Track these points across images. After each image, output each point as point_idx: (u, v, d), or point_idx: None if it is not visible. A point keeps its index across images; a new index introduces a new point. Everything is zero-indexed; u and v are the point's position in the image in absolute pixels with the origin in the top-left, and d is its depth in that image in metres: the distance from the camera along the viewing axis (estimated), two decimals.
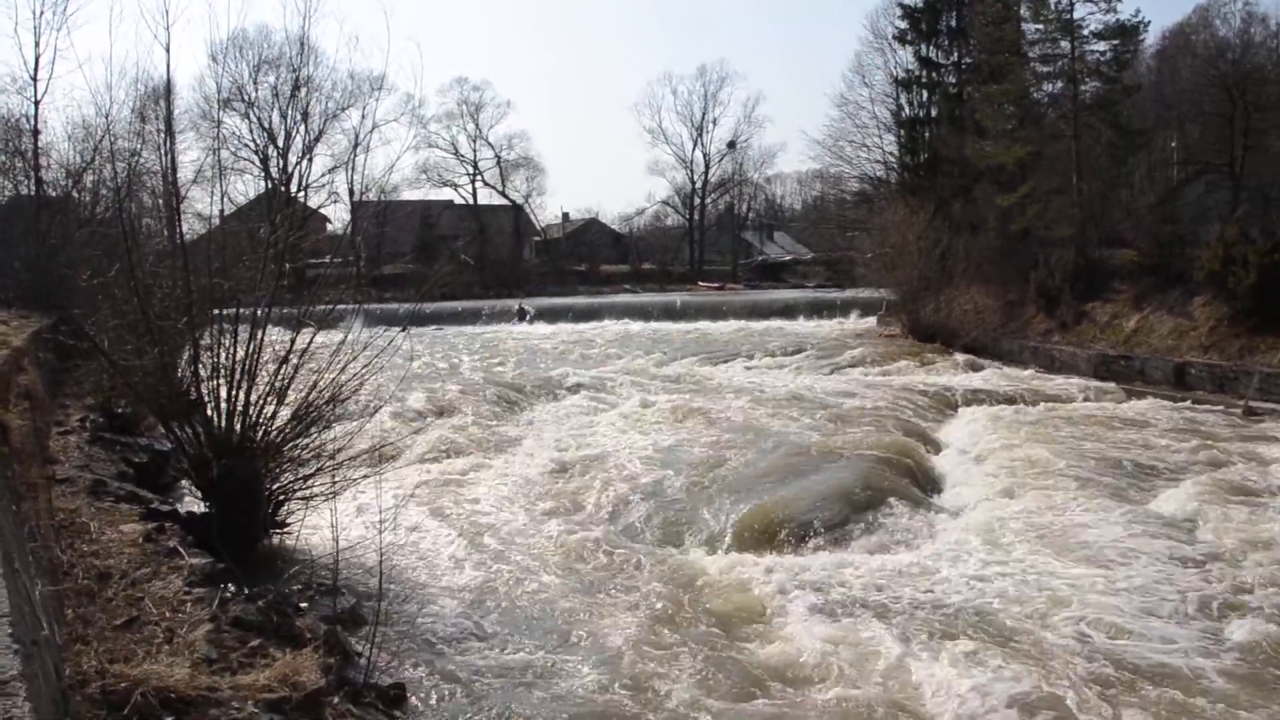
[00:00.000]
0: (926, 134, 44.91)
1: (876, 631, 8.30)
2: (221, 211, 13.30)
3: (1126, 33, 30.68)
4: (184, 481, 11.30)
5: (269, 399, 9.43)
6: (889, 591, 9.27)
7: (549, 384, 23.14)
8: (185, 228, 11.28)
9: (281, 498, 9.91)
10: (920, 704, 7.12)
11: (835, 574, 9.84)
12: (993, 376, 25.11)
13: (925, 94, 45.34)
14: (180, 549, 7.37)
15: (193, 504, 10.32)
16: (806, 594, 9.19)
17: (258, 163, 58.92)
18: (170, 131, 14.54)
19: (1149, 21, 30.99)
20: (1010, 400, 21.10)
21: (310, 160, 57.47)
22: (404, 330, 10.71)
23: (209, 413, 9.37)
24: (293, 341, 9.63)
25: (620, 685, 7.29)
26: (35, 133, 21.08)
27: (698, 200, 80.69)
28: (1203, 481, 13.21)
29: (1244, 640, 8.04)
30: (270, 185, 54.70)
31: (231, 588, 6.82)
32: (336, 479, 9.77)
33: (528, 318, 47.03)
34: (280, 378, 9.48)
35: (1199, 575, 9.54)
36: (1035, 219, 30.95)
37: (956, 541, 11.07)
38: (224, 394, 9.30)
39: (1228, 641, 8.04)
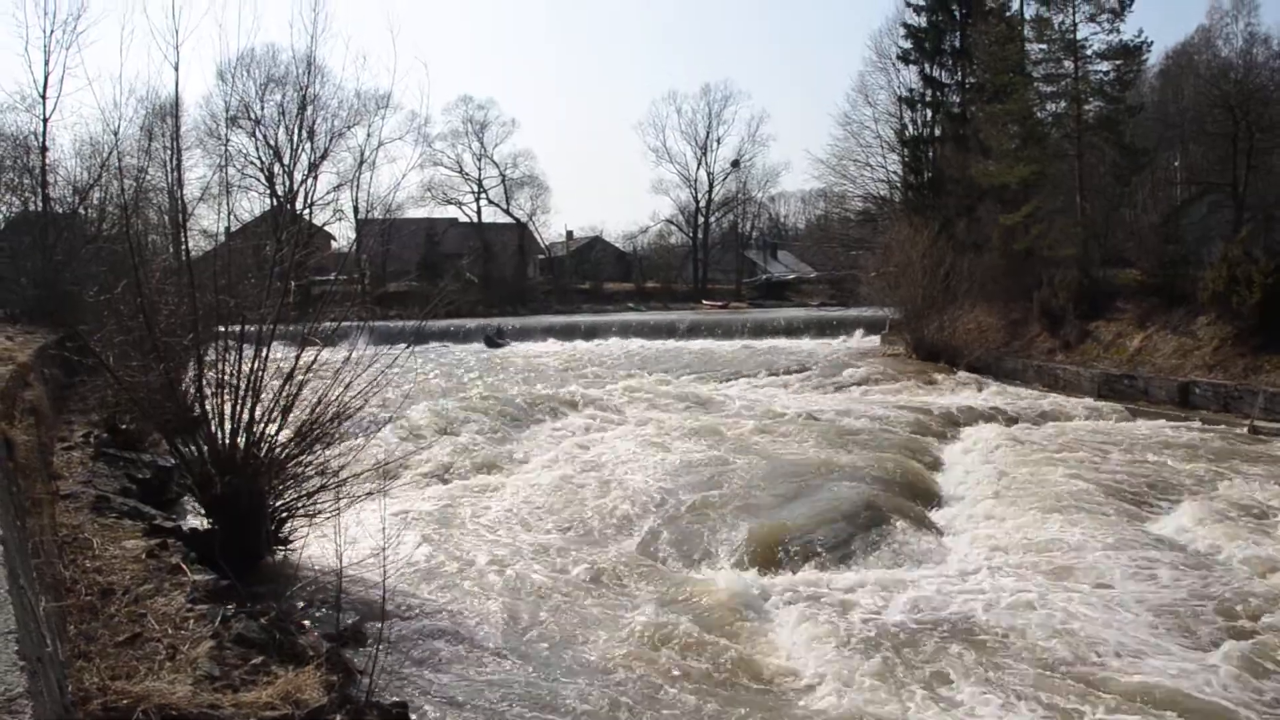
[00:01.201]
0: (930, 153, 45.11)
1: (879, 651, 8.27)
2: (227, 229, 13.40)
3: (1129, 53, 30.80)
4: (187, 498, 11.31)
5: (273, 416, 9.43)
6: (891, 610, 9.25)
7: (553, 402, 23.14)
8: (191, 244, 11.30)
9: (285, 515, 9.90)
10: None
11: (838, 592, 9.81)
12: (996, 396, 25.09)
13: (929, 113, 45.58)
14: (183, 565, 7.36)
15: (196, 520, 10.31)
16: (809, 612, 9.17)
17: (263, 180, 59.30)
18: (177, 149, 14.69)
19: (1152, 42, 31.14)
20: (1013, 420, 21.07)
21: (316, 178, 57.62)
22: (409, 347, 10.73)
23: (213, 429, 9.37)
24: (297, 358, 9.64)
25: (623, 705, 7.26)
26: (43, 150, 21.24)
27: (702, 219, 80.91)
28: (1207, 501, 13.17)
29: (1248, 660, 7.99)
30: (276, 203, 54.99)
31: (234, 605, 6.81)
32: (340, 496, 9.75)
33: (499, 341, 45.82)
34: (284, 395, 9.49)
35: (1202, 595, 9.50)
36: (1039, 238, 31.01)
37: (958, 561, 11.05)
38: (228, 411, 9.30)
39: (1232, 661, 7.98)
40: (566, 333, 47.87)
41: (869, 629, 8.77)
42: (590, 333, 47.74)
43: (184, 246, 10.70)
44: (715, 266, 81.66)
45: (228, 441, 9.29)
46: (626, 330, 48.00)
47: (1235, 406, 21.19)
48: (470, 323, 48.43)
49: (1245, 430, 19.22)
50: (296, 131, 58.08)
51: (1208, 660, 8.07)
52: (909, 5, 44.71)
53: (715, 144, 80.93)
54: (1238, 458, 16.47)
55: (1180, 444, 17.77)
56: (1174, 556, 10.81)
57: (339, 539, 7.43)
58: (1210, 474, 15.02)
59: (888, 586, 10.04)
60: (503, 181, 74.02)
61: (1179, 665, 7.99)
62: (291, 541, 9.85)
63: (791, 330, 45.71)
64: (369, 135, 60.63)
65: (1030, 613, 9.17)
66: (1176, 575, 10.16)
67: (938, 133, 44.92)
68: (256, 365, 9.36)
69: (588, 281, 74.65)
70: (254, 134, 58.81)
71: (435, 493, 14.23)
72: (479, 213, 74.26)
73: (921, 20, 44.42)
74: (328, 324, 10.39)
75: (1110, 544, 11.19)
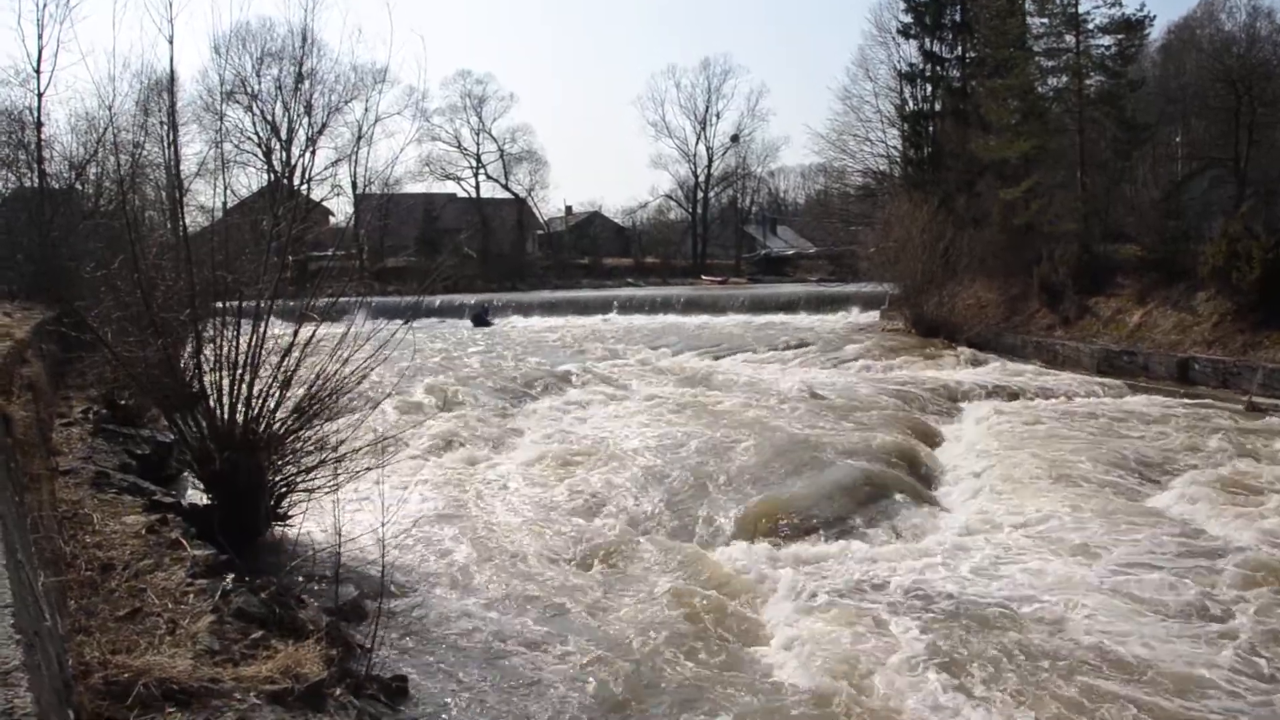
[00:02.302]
0: (930, 128, 44.86)
1: (877, 628, 8.30)
2: (224, 204, 13.33)
3: (1131, 27, 30.60)
4: (186, 473, 11.32)
5: (272, 391, 9.43)
6: (891, 586, 9.28)
7: (552, 376, 23.15)
8: (188, 220, 11.26)
9: (284, 490, 9.92)
10: (906, 698, 7.12)
11: (838, 568, 9.85)
12: (996, 371, 25.09)
13: (929, 88, 45.30)
14: (183, 541, 7.38)
15: (195, 496, 10.33)
16: (810, 587, 9.20)
17: (260, 155, 59.07)
18: (173, 124, 14.61)
19: (1154, 16, 31.03)
20: (1013, 395, 21.08)
21: (313, 153, 57.38)
22: (407, 323, 10.71)
23: (212, 405, 9.38)
24: (295, 334, 9.63)
25: (623, 679, 7.30)
26: (38, 125, 21.08)
27: (701, 194, 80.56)
28: (1205, 477, 13.19)
29: (1246, 638, 8.03)
30: (273, 178, 54.78)
31: (233, 579, 6.83)
32: (339, 471, 9.78)
33: (488, 320, 44.36)
34: (283, 370, 9.48)
35: (1200, 571, 9.53)
36: (1039, 213, 30.91)
37: (957, 536, 11.07)
38: (227, 386, 9.30)
39: (1229, 638, 8.02)
40: (565, 308, 47.83)
41: (868, 605, 8.80)
42: (589, 308, 47.71)
43: (181, 222, 10.67)
44: (714, 242, 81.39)
45: (227, 417, 9.29)
46: (625, 306, 47.97)
47: (1234, 382, 21.20)
48: (470, 298, 48.34)
49: (1244, 406, 19.23)
50: (293, 106, 57.86)
51: (1205, 633, 8.10)
52: None
53: (714, 119, 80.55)
54: (1236, 434, 16.48)
55: (1178, 420, 17.78)
56: (1172, 533, 10.84)
57: (338, 514, 7.45)
58: (1208, 450, 15.03)
59: (887, 562, 10.08)
60: (501, 156, 73.66)
61: (1177, 638, 8.02)
62: (290, 517, 9.88)
63: (791, 305, 45.64)
64: (366, 110, 60.24)
65: (1027, 590, 9.22)
66: (1174, 552, 10.18)
67: (938, 107, 44.67)
68: (255, 341, 9.35)
69: (586, 257, 74.42)
70: (250, 109, 58.57)
71: (434, 468, 14.26)
72: (477, 188, 73.97)
73: None
74: (326, 299, 10.37)
75: (1108, 520, 11.22)
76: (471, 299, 47.81)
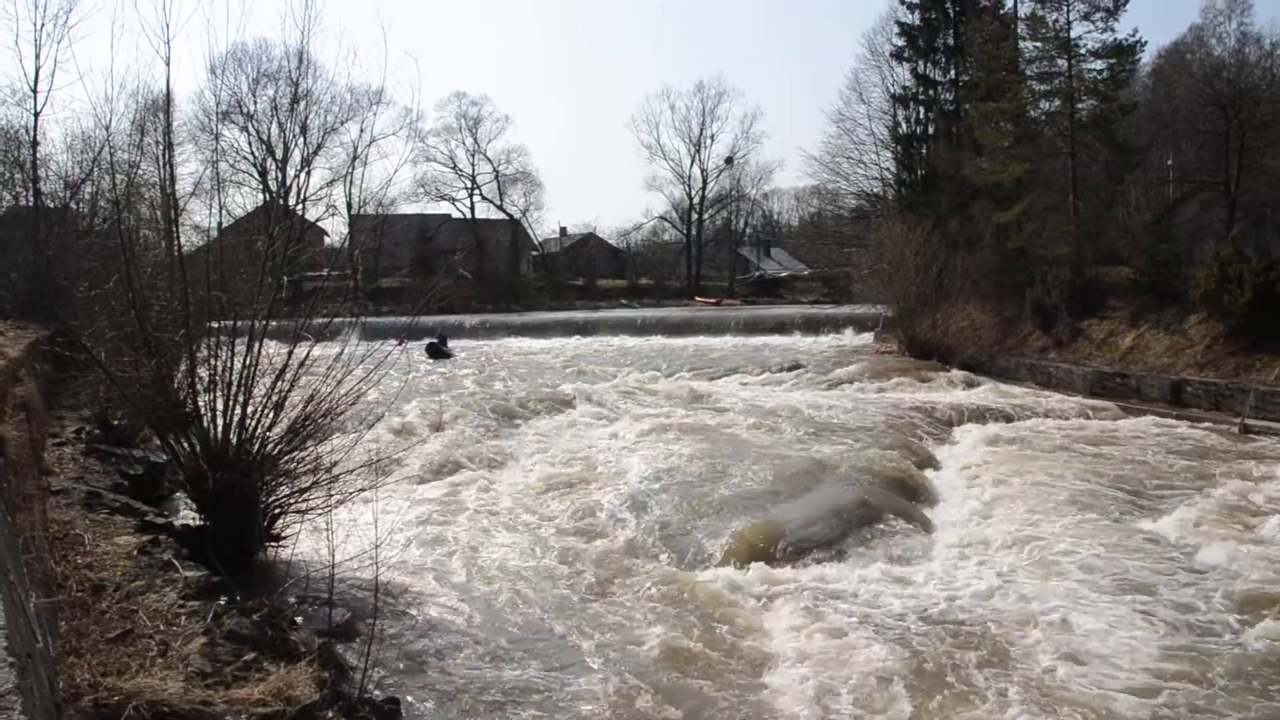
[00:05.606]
0: (923, 150, 45.10)
1: (869, 649, 8.28)
2: (219, 224, 13.32)
3: (1123, 52, 30.87)
4: (179, 494, 11.28)
5: (266, 412, 9.42)
6: (883, 609, 9.26)
7: (546, 398, 23.13)
8: (183, 240, 11.29)
9: (277, 511, 9.89)
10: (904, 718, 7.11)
11: (830, 590, 9.82)
12: (989, 394, 25.13)
13: (922, 111, 45.58)
14: (175, 562, 7.35)
15: (188, 517, 10.29)
16: (801, 610, 9.18)
17: (256, 175, 59.31)
18: (169, 144, 14.63)
19: (1145, 41, 31.30)
20: (1006, 418, 21.10)
21: (308, 173, 57.77)
22: (401, 344, 10.72)
23: (205, 425, 9.36)
24: (290, 354, 9.62)
25: (614, 702, 7.27)
26: (34, 144, 21.21)
27: (695, 216, 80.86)
28: (1199, 500, 13.21)
29: (1240, 661, 8.02)
30: (268, 198, 54.89)
31: (226, 601, 6.80)
32: (333, 492, 9.75)
33: (447, 350, 38.50)
34: (277, 391, 9.47)
35: (1194, 595, 9.53)
36: (1032, 236, 31.06)
37: (950, 559, 11.06)
38: (220, 407, 9.28)
39: (1224, 662, 8.01)
40: (559, 329, 47.87)
41: (860, 627, 8.77)
42: (584, 329, 47.77)
43: (176, 241, 10.70)
44: (709, 264, 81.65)
45: (220, 437, 9.27)
46: (620, 327, 48.02)
47: (1226, 405, 21.26)
48: (470, 319, 48.18)
49: (1236, 429, 19.28)
50: (289, 126, 58.06)
51: (1200, 655, 8.09)
52: (903, 3, 44.63)
53: (709, 141, 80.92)
54: (1229, 456, 16.53)
55: (1171, 442, 17.82)
56: (1164, 556, 10.84)
57: (331, 535, 7.42)
58: (1201, 473, 15.06)
59: (880, 584, 10.05)
60: (496, 178, 74.00)
61: (1170, 660, 8.01)
62: (284, 538, 9.85)
63: (784, 327, 45.75)
64: (362, 131, 60.73)
65: (1020, 613, 9.20)
66: (1166, 574, 10.19)
67: (931, 130, 44.95)
68: (249, 361, 9.35)
69: (581, 278, 74.65)
70: (246, 129, 58.78)
71: (428, 489, 14.22)
72: (472, 209, 74.25)
73: (915, 18, 44.42)
74: (320, 320, 10.37)
75: (1101, 543, 11.21)
76: (473, 320, 47.56)
